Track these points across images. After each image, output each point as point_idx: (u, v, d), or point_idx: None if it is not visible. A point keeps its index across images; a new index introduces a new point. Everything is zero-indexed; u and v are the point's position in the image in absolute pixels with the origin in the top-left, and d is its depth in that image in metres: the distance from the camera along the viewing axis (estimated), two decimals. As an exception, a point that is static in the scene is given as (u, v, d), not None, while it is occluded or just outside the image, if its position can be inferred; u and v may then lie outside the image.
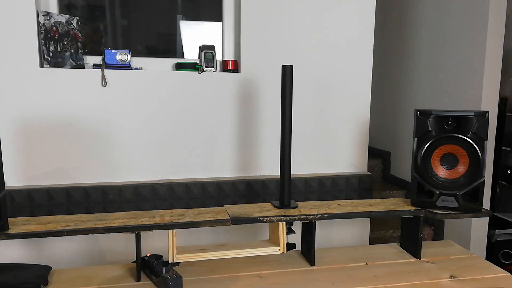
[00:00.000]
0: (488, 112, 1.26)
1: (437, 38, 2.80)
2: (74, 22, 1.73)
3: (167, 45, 2.62)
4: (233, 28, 1.96)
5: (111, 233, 1.60)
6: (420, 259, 1.33)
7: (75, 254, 1.76)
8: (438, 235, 2.74)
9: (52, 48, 1.66)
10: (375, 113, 3.26)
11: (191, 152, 1.85)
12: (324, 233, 1.95)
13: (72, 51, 1.72)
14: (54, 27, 1.66)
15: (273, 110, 1.91)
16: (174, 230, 1.23)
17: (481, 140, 1.25)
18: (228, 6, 1.95)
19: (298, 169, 1.96)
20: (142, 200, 1.75)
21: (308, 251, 1.29)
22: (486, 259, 1.38)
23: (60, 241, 1.73)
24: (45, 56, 1.65)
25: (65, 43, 1.69)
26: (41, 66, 1.67)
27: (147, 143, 1.79)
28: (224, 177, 1.90)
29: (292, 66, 1.36)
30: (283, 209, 1.30)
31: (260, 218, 1.22)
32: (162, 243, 1.42)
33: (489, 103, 2.42)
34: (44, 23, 1.64)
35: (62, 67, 1.68)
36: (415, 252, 1.34)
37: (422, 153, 1.30)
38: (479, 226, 2.51)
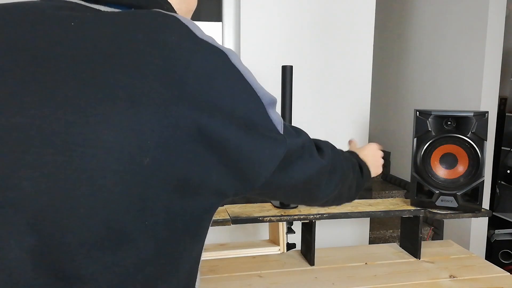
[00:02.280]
0: (487, 112, 1.26)
1: (436, 38, 2.81)
2: (74, 22, 1.73)
3: (167, 45, 2.62)
4: (233, 28, 1.96)
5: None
6: (419, 258, 1.33)
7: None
8: (437, 235, 2.74)
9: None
10: (375, 113, 3.26)
11: (191, 152, 1.85)
12: (324, 233, 1.95)
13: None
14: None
15: (273, 110, 1.92)
16: (174, 230, 1.23)
17: (481, 140, 1.26)
18: (228, 6, 1.95)
19: (298, 169, 1.96)
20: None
21: (308, 251, 1.30)
22: (486, 259, 1.39)
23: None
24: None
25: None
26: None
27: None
28: (224, 177, 1.90)
29: (292, 66, 1.36)
30: (283, 209, 1.30)
31: (260, 218, 1.22)
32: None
33: (489, 103, 2.42)
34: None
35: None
36: (415, 252, 1.34)
37: (422, 153, 1.30)
38: (479, 226, 2.51)
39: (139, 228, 0.46)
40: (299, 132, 0.66)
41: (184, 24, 0.51)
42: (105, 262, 0.45)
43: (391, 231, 2.68)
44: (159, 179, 0.46)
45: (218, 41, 2.17)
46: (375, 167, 1.01)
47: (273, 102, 0.59)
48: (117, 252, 0.46)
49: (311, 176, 0.66)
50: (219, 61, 0.51)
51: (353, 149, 1.07)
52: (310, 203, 0.81)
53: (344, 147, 2.21)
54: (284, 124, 0.60)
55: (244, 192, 0.58)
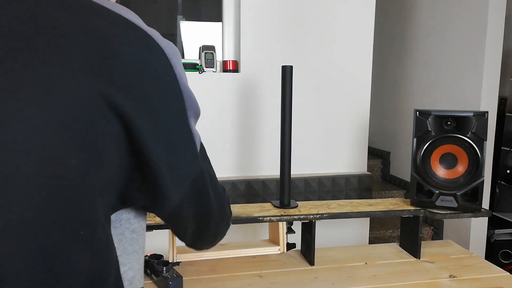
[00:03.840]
0: (487, 112, 1.26)
1: (436, 38, 2.81)
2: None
3: (167, 45, 2.62)
4: (233, 28, 1.96)
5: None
6: (419, 258, 1.33)
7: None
8: (437, 235, 2.74)
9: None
10: (375, 113, 3.27)
11: (191, 152, 1.85)
12: (323, 233, 1.95)
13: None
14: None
15: (273, 110, 1.92)
16: (175, 230, 1.23)
17: (481, 140, 1.26)
18: (228, 6, 1.95)
19: (298, 169, 1.96)
20: (142, 200, 1.75)
21: (308, 251, 1.30)
22: (486, 259, 1.39)
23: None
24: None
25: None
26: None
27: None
28: (224, 177, 1.91)
29: (292, 66, 1.37)
30: (283, 209, 1.30)
31: (260, 218, 1.22)
32: (163, 243, 1.42)
33: (489, 103, 2.42)
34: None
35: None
36: (415, 252, 1.34)
37: (422, 153, 1.30)
38: (479, 226, 2.51)
39: (71, 239, 0.40)
40: (208, 158, 0.60)
41: (115, 12, 0.45)
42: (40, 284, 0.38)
43: (391, 231, 2.69)
44: (88, 181, 0.40)
45: (218, 41, 2.15)
46: None
47: (197, 114, 0.54)
48: (51, 270, 0.39)
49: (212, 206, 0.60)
50: (155, 57, 0.46)
51: None
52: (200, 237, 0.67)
53: (344, 147, 2.22)
54: (201, 143, 0.55)
55: (155, 210, 0.52)
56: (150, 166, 0.46)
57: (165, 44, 0.48)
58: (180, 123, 0.49)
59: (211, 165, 0.61)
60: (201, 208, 0.57)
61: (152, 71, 0.45)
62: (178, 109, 0.49)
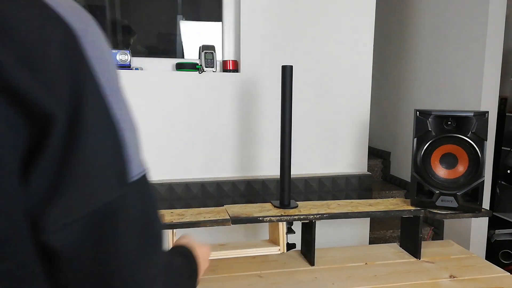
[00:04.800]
0: (487, 112, 1.26)
1: (437, 38, 2.81)
2: (74, 22, 1.73)
3: (167, 45, 2.62)
4: (233, 28, 1.96)
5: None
6: (420, 259, 1.33)
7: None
8: (437, 235, 2.74)
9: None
10: (375, 113, 3.26)
11: (191, 152, 1.85)
12: (324, 233, 1.95)
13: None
14: (54, 27, 1.66)
15: (273, 110, 1.91)
16: (174, 230, 1.23)
17: (481, 140, 1.26)
18: (228, 6, 1.95)
19: (298, 169, 1.96)
20: (142, 200, 1.75)
21: (308, 251, 1.30)
22: (486, 259, 1.39)
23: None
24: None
25: (65, 43, 1.69)
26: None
27: (147, 143, 1.79)
28: (224, 177, 1.91)
29: (292, 66, 1.37)
30: (283, 209, 1.30)
31: (260, 218, 1.22)
32: (162, 243, 1.44)
33: (489, 103, 2.42)
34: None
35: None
36: (415, 252, 1.34)
37: (422, 153, 1.30)
38: (479, 226, 2.51)
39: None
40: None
41: None
42: None
43: (391, 231, 2.68)
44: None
45: (218, 41, 2.14)
46: (204, 261, 0.71)
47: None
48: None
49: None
50: (56, 36, 0.35)
51: (183, 242, 0.71)
52: None
53: (344, 147, 2.21)
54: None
55: None
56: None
57: (74, 18, 0.37)
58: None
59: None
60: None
61: (53, 57, 0.35)
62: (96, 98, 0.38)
